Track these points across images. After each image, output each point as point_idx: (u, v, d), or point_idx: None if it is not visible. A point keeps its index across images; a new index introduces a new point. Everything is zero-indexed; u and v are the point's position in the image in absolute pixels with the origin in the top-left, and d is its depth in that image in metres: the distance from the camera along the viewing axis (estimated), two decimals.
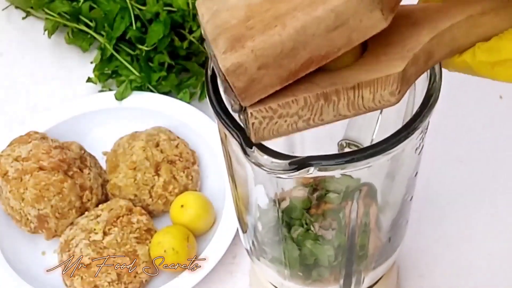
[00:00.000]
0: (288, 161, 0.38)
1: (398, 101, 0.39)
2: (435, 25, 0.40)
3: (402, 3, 0.45)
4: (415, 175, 0.50)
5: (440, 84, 0.43)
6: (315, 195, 0.52)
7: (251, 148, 0.39)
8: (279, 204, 0.49)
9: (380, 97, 0.38)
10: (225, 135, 0.44)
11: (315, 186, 0.52)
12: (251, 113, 0.37)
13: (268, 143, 0.39)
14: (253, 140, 0.39)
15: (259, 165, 0.39)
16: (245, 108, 0.37)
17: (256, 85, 0.36)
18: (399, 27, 0.40)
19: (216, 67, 0.38)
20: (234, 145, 0.41)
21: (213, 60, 0.38)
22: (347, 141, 0.53)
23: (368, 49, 0.40)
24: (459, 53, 0.41)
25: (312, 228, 0.51)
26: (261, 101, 0.37)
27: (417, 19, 0.41)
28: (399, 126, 0.42)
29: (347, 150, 0.53)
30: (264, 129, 0.38)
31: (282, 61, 0.36)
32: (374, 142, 0.50)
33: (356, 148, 0.53)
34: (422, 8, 0.41)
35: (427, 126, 0.44)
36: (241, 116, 0.38)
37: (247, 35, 0.36)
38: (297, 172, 0.39)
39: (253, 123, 0.38)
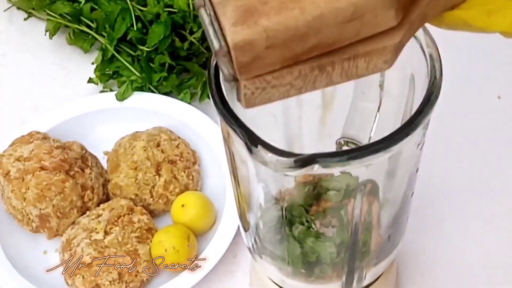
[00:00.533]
0: (293, 159, 0.39)
1: (390, 67, 0.38)
2: None
3: None
4: (416, 171, 0.50)
5: (441, 82, 0.43)
6: (315, 193, 0.52)
7: (256, 147, 0.39)
8: (281, 202, 0.50)
9: (374, 65, 0.38)
10: (228, 133, 0.44)
11: (315, 184, 0.52)
12: (244, 85, 0.36)
13: (268, 142, 0.40)
14: (243, 107, 0.38)
15: (264, 163, 0.39)
16: (239, 78, 0.37)
17: (258, 62, 0.35)
18: None
19: (209, 24, 0.36)
20: (237, 144, 0.41)
21: (204, 23, 0.36)
22: (345, 139, 0.53)
23: None
24: (451, 9, 0.40)
25: (313, 226, 0.51)
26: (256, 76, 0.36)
27: None
28: (397, 124, 0.42)
29: (345, 148, 0.53)
30: (256, 98, 0.37)
31: (290, 44, 0.35)
32: (372, 140, 0.50)
33: (354, 146, 0.53)
34: None
35: (428, 122, 0.44)
36: (232, 83, 0.37)
37: (261, 10, 0.34)
38: (302, 170, 0.39)
39: (245, 93, 0.37)
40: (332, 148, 0.54)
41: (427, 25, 0.42)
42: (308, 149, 0.41)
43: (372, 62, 0.38)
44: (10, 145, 0.75)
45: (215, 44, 0.35)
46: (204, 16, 0.36)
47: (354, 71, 0.38)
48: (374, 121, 0.52)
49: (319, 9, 0.34)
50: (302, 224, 0.51)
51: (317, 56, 0.37)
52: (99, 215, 0.71)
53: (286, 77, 0.37)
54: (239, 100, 0.38)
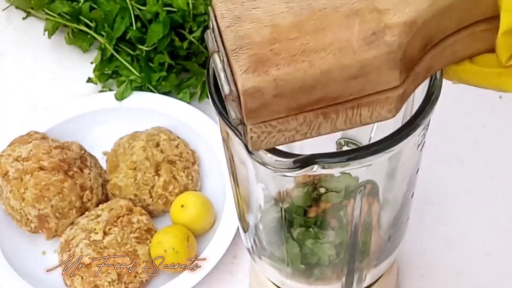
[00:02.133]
0: (292, 160, 0.39)
1: (394, 116, 0.39)
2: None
3: None
4: (417, 172, 0.50)
5: (441, 83, 0.43)
6: (315, 193, 0.52)
7: None
8: (281, 202, 0.50)
9: (378, 114, 0.39)
10: (227, 134, 0.44)
11: (314, 185, 0.52)
12: (250, 129, 0.38)
13: None
14: (249, 149, 0.39)
15: (263, 163, 0.39)
16: (244, 121, 0.38)
17: (265, 109, 0.37)
18: None
19: (221, 69, 0.38)
20: (237, 144, 0.41)
21: (217, 67, 0.38)
22: (345, 140, 0.53)
23: None
24: (457, 62, 0.41)
25: (313, 227, 0.51)
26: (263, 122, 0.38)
27: None
28: (398, 125, 0.42)
29: (345, 148, 0.53)
30: (262, 142, 0.38)
31: (297, 95, 0.36)
32: (372, 141, 0.50)
33: (354, 147, 0.53)
34: None
35: (428, 123, 0.44)
36: (239, 127, 0.39)
37: (272, 61, 0.36)
38: (301, 170, 0.39)
39: (251, 137, 0.38)
40: (332, 148, 0.54)
41: None
42: (307, 150, 0.41)
43: (376, 111, 0.39)
44: (8, 145, 0.75)
45: (225, 88, 0.37)
46: (217, 61, 0.38)
47: (358, 119, 0.39)
48: None
49: (327, 64, 0.36)
50: (301, 225, 0.51)
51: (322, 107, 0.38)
52: (98, 216, 0.71)
53: (291, 123, 0.38)
54: (245, 143, 0.39)
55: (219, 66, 0.38)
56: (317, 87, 0.36)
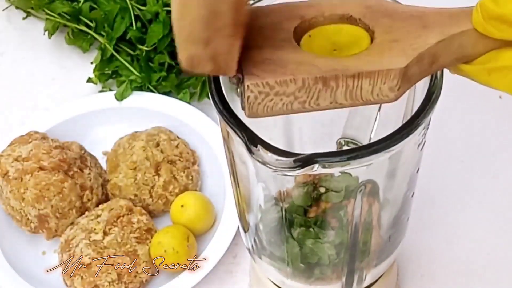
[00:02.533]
0: (292, 159, 0.39)
1: (396, 98, 0.39)
2: (445, 29, 0.40)
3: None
4: (417, 172, 0.50)
5: (442, 82, 0.43)
6: (315, 193, 0.52)
7: (256, 146, 0.39)
8: (281, 202, 0.50)
9: (379, 90, 0.38)
10: (228, 133, 0.44)
11: (315, 185, 0.52)
12: (247, 86, 0.37)
13: (267, 142, 0.40)
14: (246, 114, 0.39)
15: (264, 163, 0.39)
16: (243, 80, 0.38)
17: (219, 58, 0.37)
18: (410, 26, 0.40)
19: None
20: (237, 144, 0.41)
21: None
22: (346, 139, 0.53)
23: (374, 42, 0.40)
24: (464, 62, 0.41)
25: (313, 227, 0.51)
26: (259, 77, 0.37)
27: (428, 22, 0.41)
28: (398, 124, 0.42)
29: (345, 148, 0.53)
30: (259, 105, 0.38)
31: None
32: (372, 140, 0.50)
33: (354, 146, 0.53)
34: (436, 12, 0.41)
35: (429, 122, 0.44)
36: (239, 89, 0.39)
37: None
38: (302, 170, 0.39)
39: (248, 97, 0.38)
40: (332, 148, 0.54)
41: None
42: (308, 149, 0.41)
43: (377, 86, 0.38)
44: (8, 145, 0.75)
45: None
46: None
47: (358, 93, 0.39)
48: (375, 121, 0.52)
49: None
50: (302, 225, 0.51)
51: (321, 67, 0.38)
52: (98, 216, 0.71)
53: (289, 85, 0.38)
54: (243, 107, 0.39)
55: None
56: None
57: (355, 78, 0.38)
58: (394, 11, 0.42)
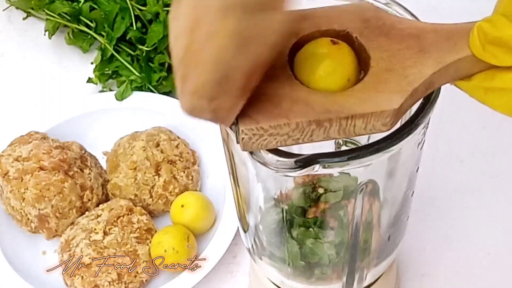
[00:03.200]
0: (293, 159, 0.39)
1: (389, 130, 0.39)
2: (442, 56, 0.40)
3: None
4: (417, 171, 0.50)
5: None
6: (314, 194, 0.52)
7: None
8: (281, 202, 0.50)
9: (372, 126, 0.39)
10: (227, 134, 0.44)
11: (314, 185, 0.52)
12: (242, 130, 0.38)
13: None
14: (241, 149, 0.39)
15: (264, 164, 0.39)
16: (237, 122, 0.38)
17: (220, 112, 0.37)
18: (406, 49, 0.40)
19: None
20: (237, 145, 0.41)
21: None
22: (344, 139, 0.53)
23: (370, 71, 0.40)
24: (459, 80, 0.41)
25: (313, 227, 0.51)
26: (253, 120, 0.38)
27: (426, 44, 0.40)
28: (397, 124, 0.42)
29: (344, 148, 0.53)
30: (253, 143, 0.39)
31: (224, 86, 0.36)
32: (370, 140, 0.50)
33: (353, 146, 0.53)
34: (433, 30, 0.41)
35: (428, 122, 0.44)
36: (233, 127, 0.39)
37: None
38: (302, 170, 0.39)
39: (243, 138, 0.38)
40: (331, 148, 0.54)
41: None
42: (306, 149, 0.41)
43: (370, 124, 0.39)
44: (9, 145, 0.75)
45: None
46: None
47: (352, 130, 0.39)
48: None
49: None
50: (302, 225, 0.51)
51: (315, 107, 0.38)
52: (98, 216, 0.71)
53: (283, 128, 0.38)
54: (237, 142, 0.39)
55: None
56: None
57: (349, 119, 0.38)
58: (391, 27, 0.41)
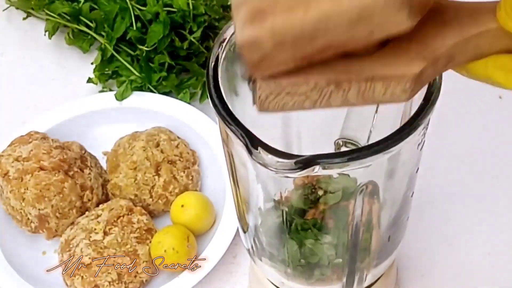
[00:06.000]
0: (293, 160, 0.39)
1: (408, 100, 0.39)
2: (463, 29, 0.39)
3: None
4: (416, 171, 0.50)
5: (440, 83, 0.43)
6: (314, 195, 0.52)
7: (256, 148, 0.39)
8: (281, 204, 0.50)
9: (391, 92, 0.38)
10: (227, 135, 0.44)
11: (313, 186, 0.52)
12: (259, 85, 0.37)
13: (268, 144, 0.40)
14: (257, 110, 0.38)
15: (264, 165, 0.39)
16: (255, 78, 0.37)
17: (269, 60, 0.36)
18: (427, 23, 0.39)
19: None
20: (237, 145, 0.41)
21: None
22: (344, 140, 0.53)
23: (391, 40, 0.39)
24: (478, 59, 0.40)
25: (312, 228, 0.51)
26: (272, 75, 0.37)
27: (447, 18, 0.40)
28: (396, 124, 0.42)
29: (344, 149, 0.53)
30: (270, 102, 0.38)
31: (299, 43, 0.35)
32: (370, 141, 0.50)
33: (353, 147, 0.53)
34: (455, 7, 0.40)
35: (428, 122, 0.44)
36: (250, 84, 0.38)
37: (270, 11, 0.35)
38: (302, 171, 0.39)
39: (260, 95, 0.37)
40: (331, 148, 0.54)
41: None
42: (306, 150, 0.41)
43: (390, 89, 0.38)
44: (9, 145, 0.75)
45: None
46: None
47: (371, 95, 0.38)
48: (373, 121, 0.52)
49: (323, 10, 0.35)
50: (302, 226, 0.51)
51: (334, 62, 0.37)
52: (98, 216, 0.71)
53: (301, 86, 0.37)
54: (254, 102, 0.38)
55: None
56: (318, 35, 0.35)
57: (369, 81, 0.37)
58: None
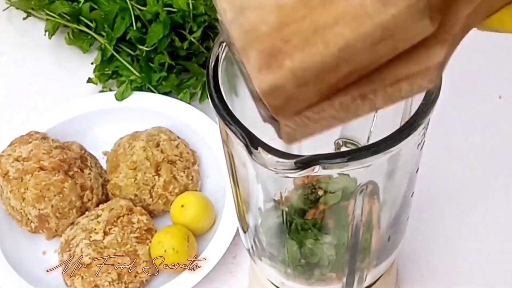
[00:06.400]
0: (293, 160, 0.38)
1: (436, 85, 0.37)
2: None
3: None
4: (416, 171, 0.50)
5: (441, 83, 0.43)
6: (314, 195, 0.52)
7: (257, 149, 0.39)
8: (281, 204, 0.50)
9: (419, 86, 0.36)
10: (227, 135, 0.44)
11: (313, 186, 0.52)
12: (285, 124, 0.35)
13: (268, 144, 0.40)
14: (285, 143, 0.37)
15: (264, 165, 0.39)
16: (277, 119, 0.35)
17: (292, 101, 0.34)
18: None
19: (243, 72, 0.35)
20: (237, 145, 0.41)
21: (237, 63, 0.35)
22: (344, 140, 0.53)
23: None
24: (492, 15, 0.38)
25: (312, 228, 0.51)
26: (296, 112, 0.35)
27: None
28: (396, 124, 0.42)
29: (344, 149, 0.53)
30: (297, 134, 0.36)
31: (322, 77, 0.33)
32: (370, 141, 0.50)
33: (353, 147, 0.53)
34: None
35: (428, 122, 0.44)
36: (272, 122, 0.36)
37: (284, 51, 0.33)
38: (303, 171, 0.39)
39: (287, 132, 0.36)
40: (330, 148, 0.54)
41: None
42: (306, 150, 0.41)
43: (416, 83, 0.36)
44: (9, 145, 0.75)
45: (249, 86, 0.35)
46: (235, 54, 0.35)
47: (398, 95, 0.36)
48: (373, 121, 0.52)
49: (343, 39, 0.33)
50: (302, 226, 0.51)
51: (357, 81, 0.35)
52: (98, 216, 0.71)
53: (327, 110, 0.35)
54: (280, 137, 0.36)
55: (237, 58, 0.35)
56: (341, 64, 0.33)
57: (394, 85, 0.35)
58: None
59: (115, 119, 0.82)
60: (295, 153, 0.39)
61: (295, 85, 0.33)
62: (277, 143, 0.42)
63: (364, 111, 0.36)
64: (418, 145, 0.46)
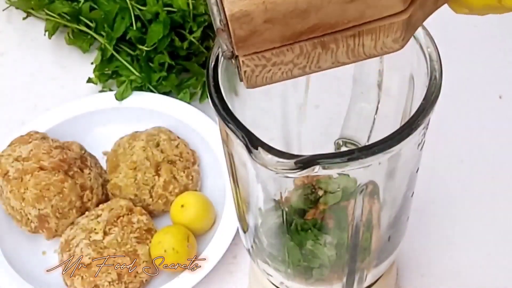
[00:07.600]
0: (293, 160, 0.38)
1: (402, 48, 0.37)
2: None
3: None
4: (416, 171, 0.50)
5: (441, 82, 0.43)
6: (313, 195, 0.52)
7: (256, 148, 0.39)
8: (281, 204, 0.50)
9: (383, 44, 0.36)
10: (227, 135, 0.44)
11: (313, 187, 0.52)
12: (243, 61, 0.35)
13: (268, 144, 0.40)
14: (245, 86, 0.37)
15: (264, 165, 0.39)
16: (237, 55, 0.36)
17: (256, 37, 0.34)
18: None
19: (213, 3, 0.36)
20: (237, 145, 0.41)
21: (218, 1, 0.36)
22: (344, 140, 0.53)
23: None
24: None
25: (312, 229, 0.51)
26: (255, 53, 0.35)
27: None
28: (396, 124, 0.42)
29: (344, 149, 0.53)
30: (257, 77, 0.36)
31: (290, 20, 0.34)
32: (370, 141, 0.50)
33: (353, 147, 0.53)
34: None
35: (428, 122, 0.44)
36: (233, 61, 0.37)
37: None
38: (303, 171, 0.39)
39: (245, 71, 0.36)
40: (331, 148, 0.54)
41: (426, 24, 0.41)
42: (306, 150, 0.41)
43: (380, 40, 0.36)
44: (8, 145, 0.75)
45: (217, 20, 0.35)
46: None
47: (361, 50, 0.36)
48: (373, 121, 0.52)
49: None
50: (302, 226, 0.51)
51: (319, 36, 0.35)
52: (98, 216, 0.71)
53: (286, 54, 0.36)
54: (240, 79, 0.37)
55: (212, 0, 0.36)
56: (311, 11, 0.34)
57: (356, 37, 0.35)
58: None
59: (115, 119, 0.82)
60: (295, 153, 0.39)
61: (263, 18, 0.34)
62: (277, 143, 0.42)
63: (326, 62, 0.36)
64: (418, 145, 0.46)
